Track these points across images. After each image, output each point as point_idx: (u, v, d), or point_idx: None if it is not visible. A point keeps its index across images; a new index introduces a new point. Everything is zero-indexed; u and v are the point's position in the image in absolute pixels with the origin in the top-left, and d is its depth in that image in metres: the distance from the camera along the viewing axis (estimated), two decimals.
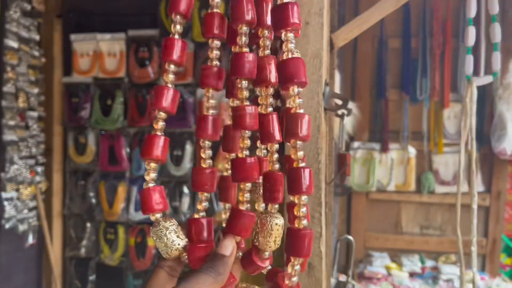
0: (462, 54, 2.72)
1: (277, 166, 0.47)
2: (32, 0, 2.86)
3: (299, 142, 0.46)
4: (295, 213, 0.46)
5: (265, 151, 0.56)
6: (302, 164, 0.46)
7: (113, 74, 2.94)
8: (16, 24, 2.69)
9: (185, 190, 2.82)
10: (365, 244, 2.96)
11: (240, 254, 0.50)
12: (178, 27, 0.48)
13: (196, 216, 0.48)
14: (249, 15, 0.45)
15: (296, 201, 0.46)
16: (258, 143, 0.55)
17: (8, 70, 2.64)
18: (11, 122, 2.68)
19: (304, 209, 0.46)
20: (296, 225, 0.46)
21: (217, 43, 0.49)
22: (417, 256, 2.86)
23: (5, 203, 2.65)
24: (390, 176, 2.88)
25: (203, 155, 0.48)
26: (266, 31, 0.48)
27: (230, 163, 0.48)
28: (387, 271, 2.71)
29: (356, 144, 2.91)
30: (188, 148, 2.87)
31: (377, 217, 2.95)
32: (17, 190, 2.78)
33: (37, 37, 2.90)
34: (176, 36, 0.48)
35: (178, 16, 0.48)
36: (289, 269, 0.46)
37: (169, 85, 0.47)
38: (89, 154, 3.04)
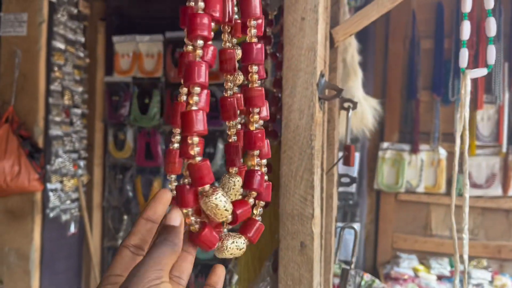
0: (497, 55, 2.66)
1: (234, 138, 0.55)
2: (79, 4, 3.07)
3: (256, 109, 0.53)
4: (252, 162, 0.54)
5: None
6: (256, 126, 0.52)
7: (151, 74, 3.10)
8: (63, 27, 2.89)
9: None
10: (393, 245, 2.94)
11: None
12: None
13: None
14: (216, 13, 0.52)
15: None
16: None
17: (55, 70, 2.85)
18: (57, 118, 2.88)
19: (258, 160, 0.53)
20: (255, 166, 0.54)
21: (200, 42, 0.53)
22: (447, 259, 2.81)
23: (50, 193, 2.85)
24: (420, 177, 2.85)
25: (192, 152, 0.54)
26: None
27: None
28: (414, 273, 2.68)
29: (385, 144, 2.90)
30: (220, 146, 2.97)
31: (405, 219, 2.93)
32: (61, 182, 2.98)
33: (82, 39, 3.10)
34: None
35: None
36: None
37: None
38: (127, 150, 3.21)
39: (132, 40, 3.12)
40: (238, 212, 0.54)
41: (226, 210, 0.50)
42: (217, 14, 0.53)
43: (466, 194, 0.98)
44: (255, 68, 0.56)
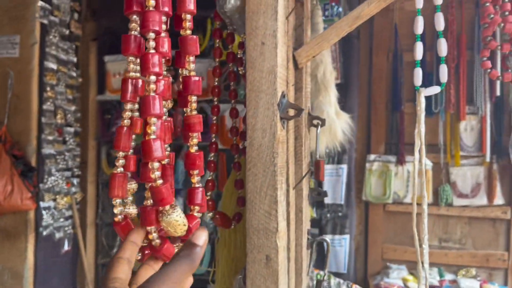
0: (478, 66, 2.73)
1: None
2: (70, 25, 3.14)
3: (194, 134, 0.58)
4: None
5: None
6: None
7: None
8: (55, 48, 2.97)
9: None
10: (383, 256, 2.97)
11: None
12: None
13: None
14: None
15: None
16: None
17: (48, 90, 2.91)
18: (50, 137, 2.93)
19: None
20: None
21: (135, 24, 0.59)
22: (436, 269, 2.84)
23: (43, 212, 2.89)
24: (407, 188, 2.89)
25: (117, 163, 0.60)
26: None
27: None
28: (403, 283, 2.71)
29: (372, 156, 2.95)
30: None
31: (394, 229, 2.96)
32: (54, 200, 3.02)
33: (75, 59, 3.18)
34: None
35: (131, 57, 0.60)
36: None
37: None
38: None
39: (123, 59, 3.17)
40: (191, 225, 0.59)
41: (184, 225, 0.56)
42: (168, 53, 0.60)
43: (424, 206, 1.03)
44: (193, 98, 0.62)
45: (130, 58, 0.59)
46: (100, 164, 3.34)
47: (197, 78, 0.60)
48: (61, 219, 3.07)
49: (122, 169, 0.59)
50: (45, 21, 2.84)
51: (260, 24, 0.94)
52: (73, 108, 3.18)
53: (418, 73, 1.02)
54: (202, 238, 0.52)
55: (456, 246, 2.89)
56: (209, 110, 2.98)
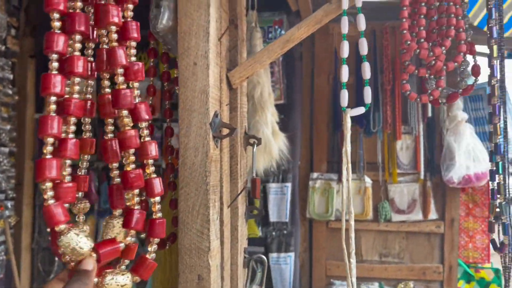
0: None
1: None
2: (7, 41, 3.02)
3: (131, 150, 0.58)
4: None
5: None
6: (132, 166, 0.57)
7: None
8: None
9: None
10: (327, 273, 3.03)
11: None
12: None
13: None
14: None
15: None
16: None
17: None
18: None
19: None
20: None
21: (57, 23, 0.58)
22: (377, 283, 2.93)
23: None
24: None
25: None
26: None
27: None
28: None
29: (315, 174, 3.03)
30: None
31: (337, 246, 3.03)
32: None
33: (11, 76, 3.04)
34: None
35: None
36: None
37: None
38: None
39: None
40: (101, 251, 0.58)
41: (80, 248, 0.54)
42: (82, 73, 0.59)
43: (351, 222, 1.06)
44: (124, 112, 0.62)
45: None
46: (38, 186, 3.18)
47: (128, 92, 0.59)
48: None
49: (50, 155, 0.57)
50: None
51: (192, 45, 0.95)
52: (8, 127, 3.03)
53: (344, 95, 1.07)
54: (90, 264, 0.58)
55: (395, 260, 3.00)
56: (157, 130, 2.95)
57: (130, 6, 0.64)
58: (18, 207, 3.11)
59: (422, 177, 2.92)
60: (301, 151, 3.09)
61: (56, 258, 3.12)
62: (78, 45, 0.58)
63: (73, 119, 0.61)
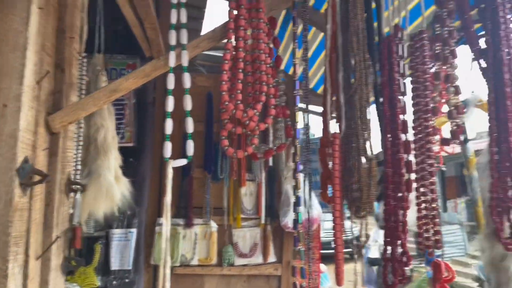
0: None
1: None
2: None
3: None
4: None
5: None
6: None
7: None
8: None
9: None
10: None
11: None
12: None
13: None
14: None
15: None
16: None
17: None
18: None
19: None
20: None
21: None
22: None
23: None
24: (194, 250, 3.01)
25: None
26: None
27: None
28: None
29: (161, 220, 3.00)
30: None
31: None
32: None
33: None
34: None
35: None
36: None
37: None
38: None
39: None
40: None
41: None
42: None
43: (167, 270, 1.09)
44: None
45: None
46: None
47: None
48: None
49: None
50: None
51: (4, 86, 0.92)
52: None
53: (168, 146, 1.12)
54: None
55: None
56: None
57: None
58: None
59: (263, 221, 3.11)
60: (149, 195, 3.05)
61: None
62: None
63: None
